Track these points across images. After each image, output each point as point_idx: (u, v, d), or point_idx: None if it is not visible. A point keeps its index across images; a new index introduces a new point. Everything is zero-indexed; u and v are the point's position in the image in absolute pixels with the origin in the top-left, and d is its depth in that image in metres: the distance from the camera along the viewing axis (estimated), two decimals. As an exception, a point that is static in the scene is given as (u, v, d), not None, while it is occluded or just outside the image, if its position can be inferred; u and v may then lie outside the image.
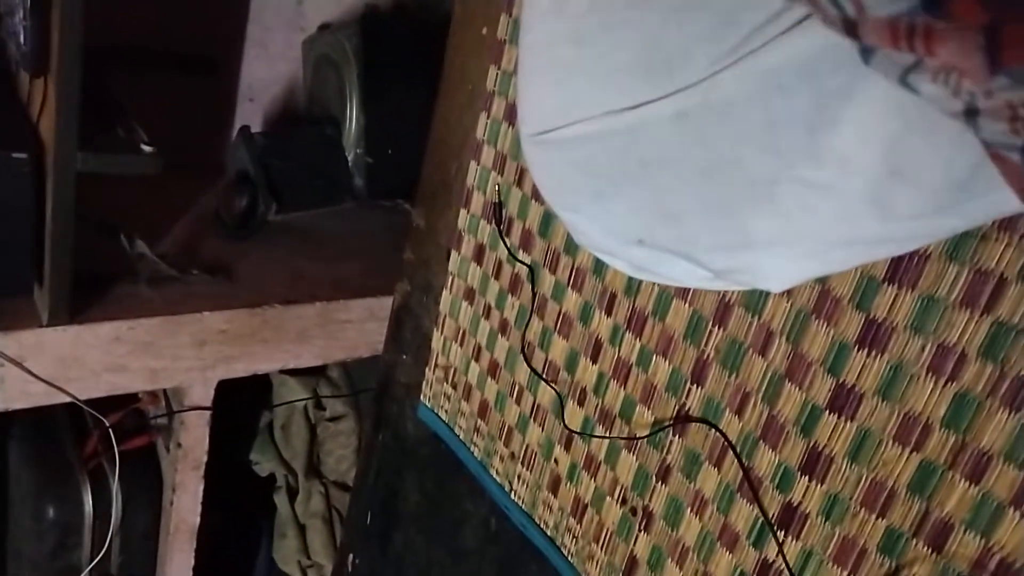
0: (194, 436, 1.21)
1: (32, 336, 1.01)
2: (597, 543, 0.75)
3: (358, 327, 1.29)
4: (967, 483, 0.52)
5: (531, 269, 0.80)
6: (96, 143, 0.95)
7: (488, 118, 0.82)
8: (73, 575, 1.21)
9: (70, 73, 0.87)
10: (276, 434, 1.54)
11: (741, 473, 0.63)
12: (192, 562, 1.29)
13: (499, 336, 0.85)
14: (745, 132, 0.41)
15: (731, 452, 0.64)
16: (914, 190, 0.39)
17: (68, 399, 1.07)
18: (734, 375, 0.64)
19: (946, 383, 0.52)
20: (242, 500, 1.57)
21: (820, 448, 0.59)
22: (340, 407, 1.50)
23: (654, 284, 0.69)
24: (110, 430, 1.18)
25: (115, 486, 1.21)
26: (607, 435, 0.74)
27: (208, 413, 1.21)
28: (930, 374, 0.53)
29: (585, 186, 0.50)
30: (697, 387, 0.67)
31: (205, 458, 1.24)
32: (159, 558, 1.30)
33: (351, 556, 1.10)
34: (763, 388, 0.62)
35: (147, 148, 0.98)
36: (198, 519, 1.27)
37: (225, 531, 1.51)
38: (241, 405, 1.50)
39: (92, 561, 1.22)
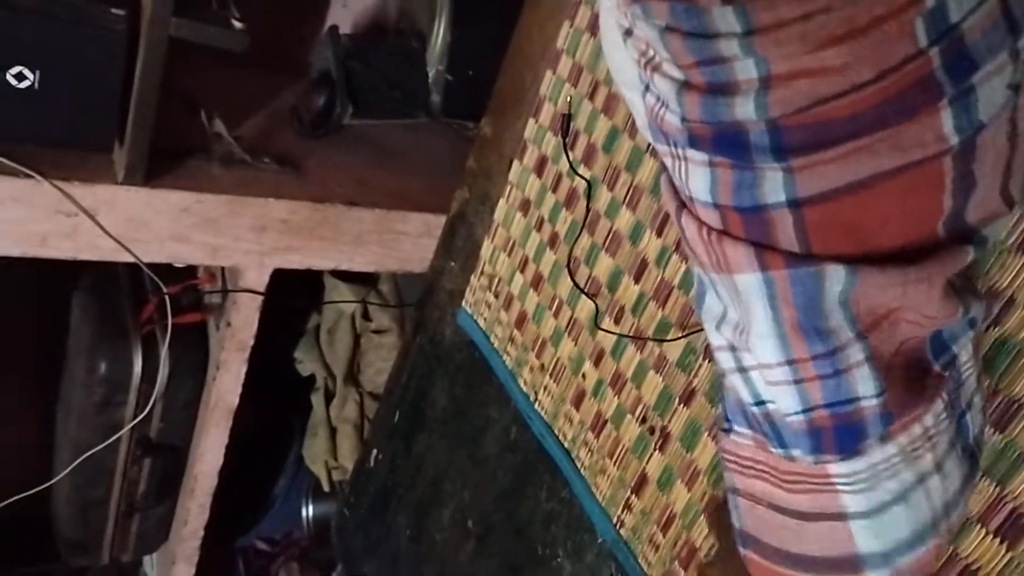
0: (244, 318, 1.26)
1: (107, 191, 1.06)
2: (611, 458, 0.76)
3: (414, 240, 1.31)
4: (991, 430, 0.50)
5: (589, 184, 0.80)
6: (190, 12, 0.98)
7: (571, 27, 0.82)
8: (114, 431, 1.28)
9: (174, -64, 0.89)
10: (322, 337, 1.58)
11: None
12: (226, 439, 1.35)
13: (548, 249, 0.86)
14: None
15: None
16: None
17: (132, 260, 1.12)
18: (774, 304, 0.63)
19: (988, 327, 0.51)
20: (281, 396, 1.62)
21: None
22: (386, 320, 1.53)
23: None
24: (167, 299, 1.24)
25: (164, 354, 1.26)
26: (639, 336, 0.74)
27: (260, 298, 1.25)
28: (975, 316, 0.52)
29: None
30: (735, 313, 0.66)
31: (251, 341, 1.28)
32: (196, 430, 1.36)
33: (375, 451, 1.14)
34: (801, 319, 0.61)
35: (237, 24, 1.01)
36: (237, 399, 1.32)
37: (262, 422, 1.57)
38: (293, 305, 1.54)
39: (134, 420, 1.28)
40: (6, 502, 1.23)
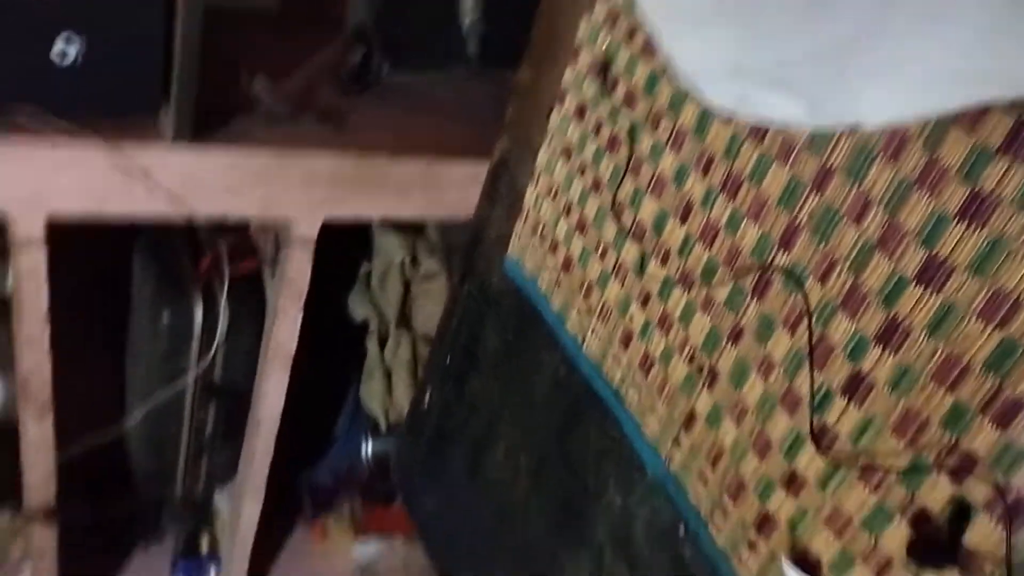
0: (297, 268, 1.29)
1: (158, 151, 1.08)
2: (660, 397, 0.78)
3: (458, 188, 1.32)
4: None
5: (632, 128, 0.80)
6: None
7: (608, -33, 0.81)
8: (181, 376, 1.33)
9: None
10: (373, 283, 1.61)
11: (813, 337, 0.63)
12: (286, 383, 1.40)
13: (591, 194, 0.86)
14: None
15: (806, 319, 0.64)
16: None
17: (187, 214, 1.15)
18: (823, 243, 0.63)
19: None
20: (337, 342, 1.67)
21: (900, 320, 0.58)
22: (434, 266, 1.55)
23: (755, 147, 0.68)
24: (223, 251, 1.27)
25: (223, 303, 1.31)
26: (686, 285, 0.75)
27: (311, 248, 1.27)
28: (1028, 251, 0.51)
29: (692, 11, 0.49)
30: (784, 252, 0.66)
31: (306, 288, 1.31)
32: (257, 375, 1.41)
33: (428, 391, 1.17)
34: (851, 257, 0.61)
35: (270, -16, 1.01)
36: (295, 345, 1.37)
37: (321, 366, 1.62)
38: (343, 256, 1.57)
39: (198, 367, 1.33)
40: (86, 444, 1.31)
